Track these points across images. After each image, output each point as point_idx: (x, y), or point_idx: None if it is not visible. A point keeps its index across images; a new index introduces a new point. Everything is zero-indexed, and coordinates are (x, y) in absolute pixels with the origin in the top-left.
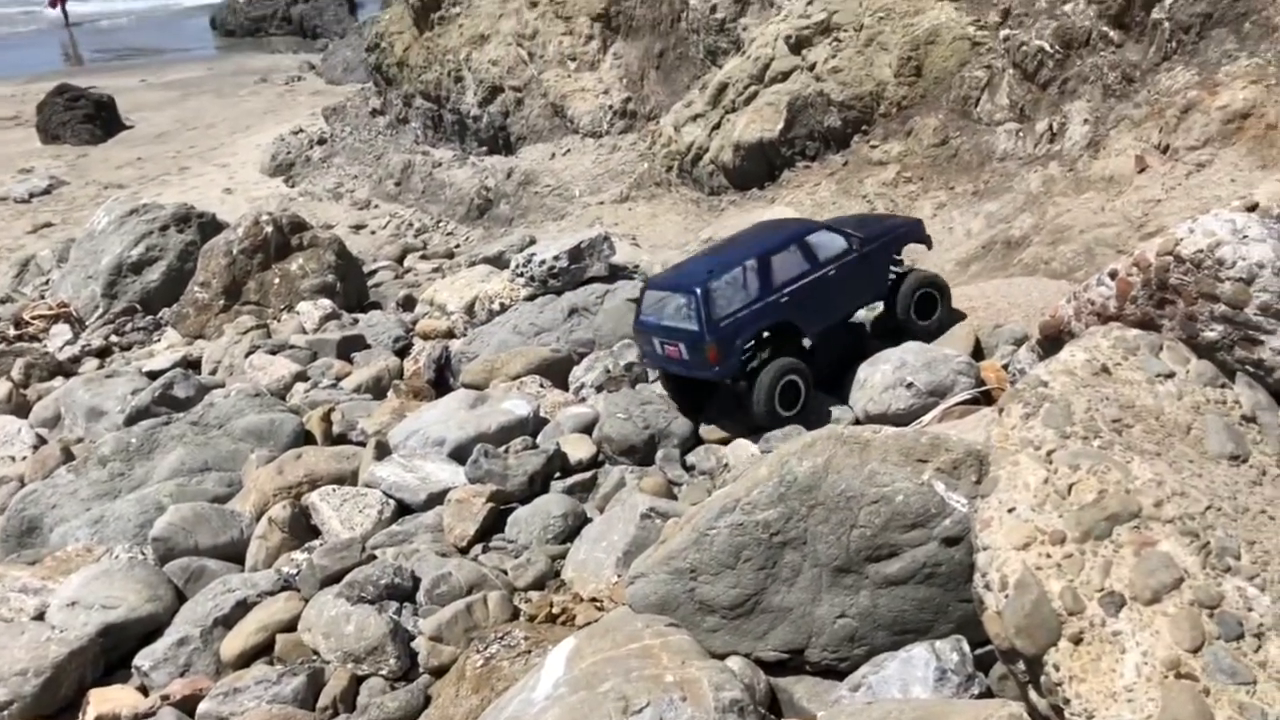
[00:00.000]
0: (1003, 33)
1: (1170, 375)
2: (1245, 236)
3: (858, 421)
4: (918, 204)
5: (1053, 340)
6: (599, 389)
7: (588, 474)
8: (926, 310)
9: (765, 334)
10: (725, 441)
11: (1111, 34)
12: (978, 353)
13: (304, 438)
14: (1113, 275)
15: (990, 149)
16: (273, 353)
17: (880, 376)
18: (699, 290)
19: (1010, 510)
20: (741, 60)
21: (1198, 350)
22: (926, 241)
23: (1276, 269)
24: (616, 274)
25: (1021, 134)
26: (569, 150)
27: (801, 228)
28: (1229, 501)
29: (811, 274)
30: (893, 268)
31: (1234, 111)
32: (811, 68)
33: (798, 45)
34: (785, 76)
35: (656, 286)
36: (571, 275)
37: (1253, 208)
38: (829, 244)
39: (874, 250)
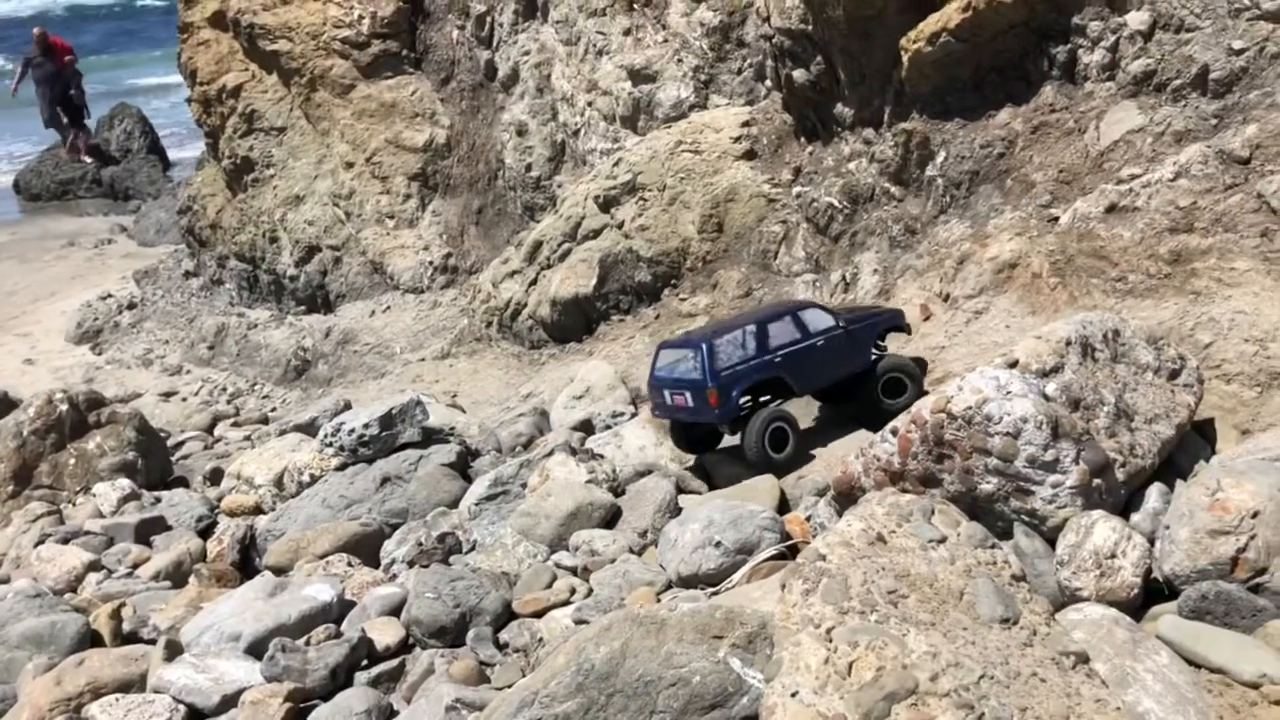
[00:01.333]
0: (795, 190)
1: (942, 540)
2: (1009, 393)
3: (670, 584)
4: None
5: (846, 495)
6: (411, 564)
7: (395, 661)
8: (895, 392)
9: (760, 387)
10: (540, 614)
11: (893, 190)
12: (784, 505)
13: (90, 639)
14: (894, 432)
15: (791, 299)
16: (64, 541)
17: (690, 536)
18: (705, 345)
19: (793, 695)
20: (555, 219)
21: (977, 502)
22: (906, 329)
23: (1038, 423)
24: (431, 438)
25: (818, 284)
26: (389, 307)
27: (796, 304)
28: (1001, 668)
29: (802, 342)
30: (875, 351)
31: (1003, 262)
32: (620, 226)
33: (606, 204)
34: (596, 234)
35: (669, 347)
36: (383, 442)
37: (1013, 364)
38: (819, 320)
39: (858, 329)
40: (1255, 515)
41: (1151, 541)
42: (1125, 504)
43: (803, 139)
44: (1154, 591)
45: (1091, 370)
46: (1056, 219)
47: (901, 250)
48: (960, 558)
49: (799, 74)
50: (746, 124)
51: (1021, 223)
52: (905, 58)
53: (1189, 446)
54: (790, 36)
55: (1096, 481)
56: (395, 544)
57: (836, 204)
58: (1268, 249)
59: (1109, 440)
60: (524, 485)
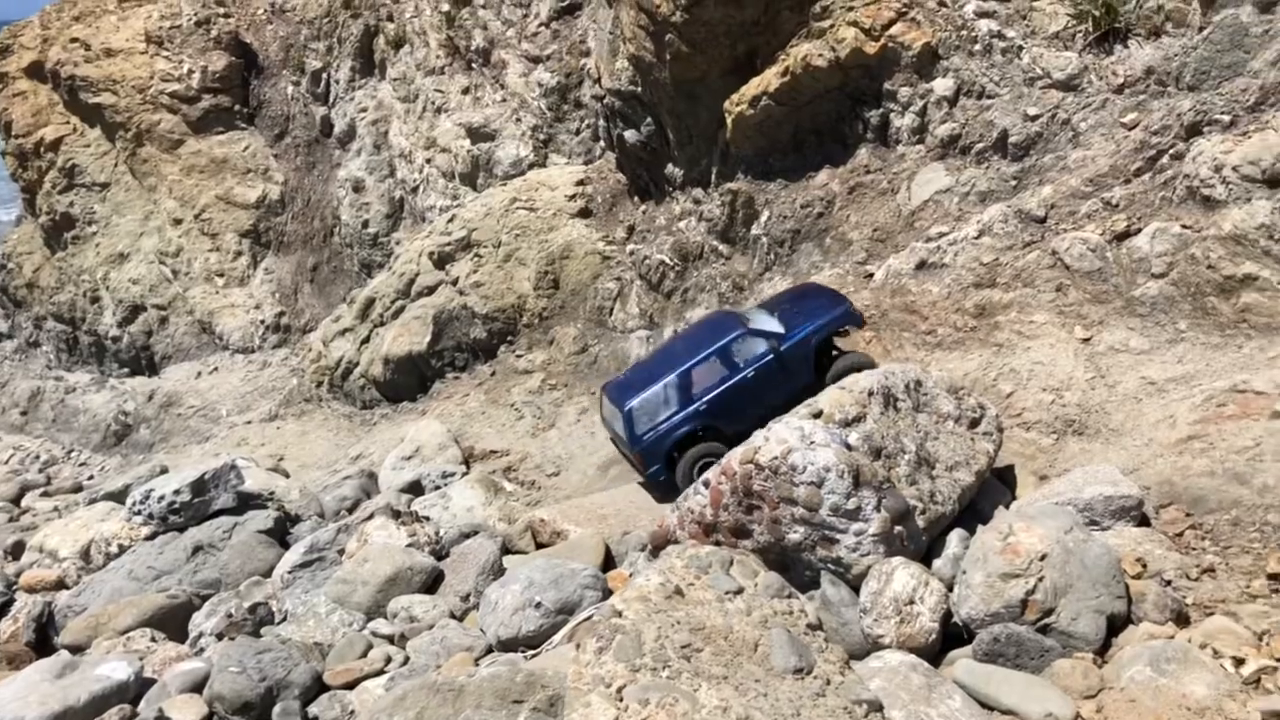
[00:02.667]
0: (629, 247)
1: (740, 591)
2: (813, 443)
3: (490, 648)
4: (563, 410)
5: (662, 549)
6: (219, 636)
7: None
8: None
9: (688, 439)
10: (352, 685)
11: (721, 248)
12: (610, 561)
13: None
14: (706, 484)
15: (625, 355)
16: None
17: (510, 598)
18: (624, 411)
19: None
20: (388, 275)
21: (786, 552)
22: (857, 322)
23: (840, 472)
24: (248, 503)
25: (652, 339)
26: (216, 368)
27: (725, 335)
28: (793, 719)
29: (730, 379)
30: (833, 350)
31: None
32: (455, 282)
33: (441, 261)
34: (431, 291)
35: (607, 393)
36: (195, 509)
37: (818, 415)
38: (749, 350)
39: (793, 348)
40: (1043, 558)
41: (951, 587)
42: (927, 550)
43: (636, 198)
44: (955, 636)
45: (894, 419)
46: (871, 275)
47: (731, 305)
48: (757, 608)
49: (630, 134)
50: (581, 182)
51: (839, 279)
52: (729, 120)
53: (990, 492)
54: (621, 98)
55: (898, 528)
56: (205, 616)
57: (668, 261)
58: (1062, 303)
59: (910, 488)
60: (341, 551)
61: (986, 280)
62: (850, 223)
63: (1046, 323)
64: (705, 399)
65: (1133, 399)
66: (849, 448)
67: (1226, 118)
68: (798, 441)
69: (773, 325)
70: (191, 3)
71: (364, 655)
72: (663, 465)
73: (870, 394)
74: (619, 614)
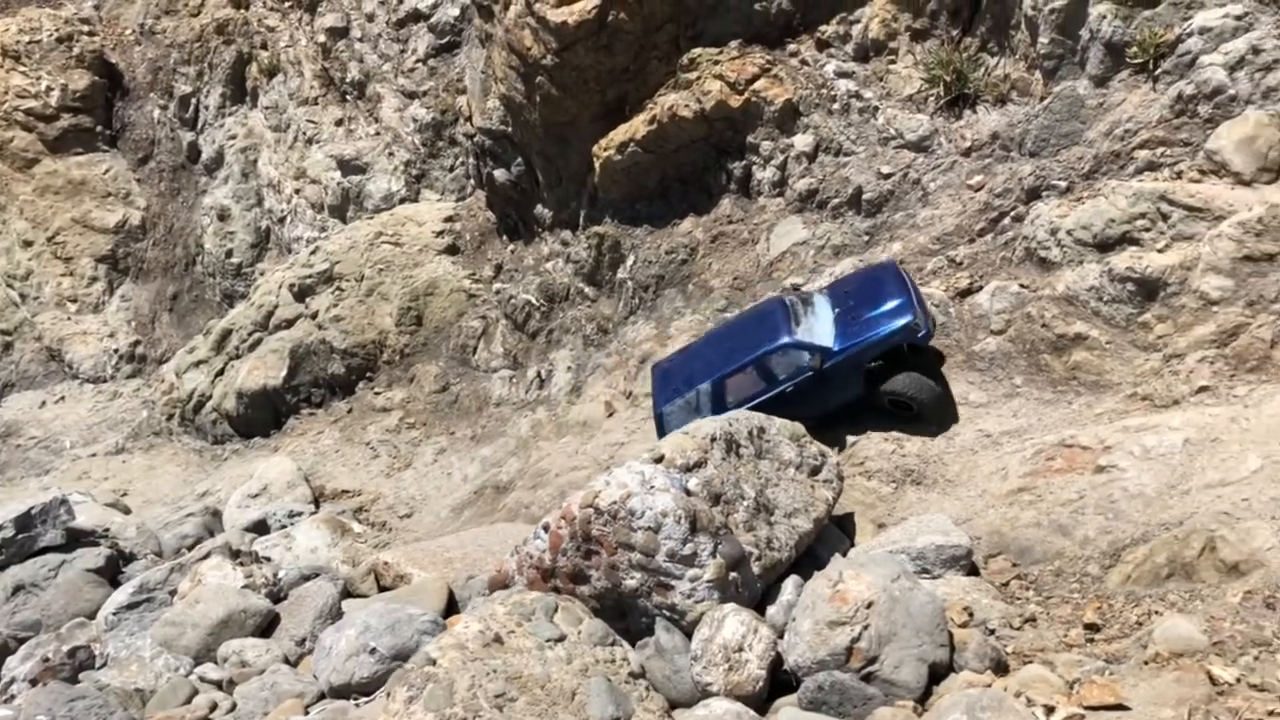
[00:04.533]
0: (496, 286)
1: (561, 639)
2: (652, 487)
3: (322, 695)
4: (420, 449)
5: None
6: (33, 682)
7: None
8: (903, 411)
9: None
10: None
11: (587, 290)
12: (454, 606)
13: None
14: (546, 528)
15: (487, 395)
16: None
17: (344, 643)
18: (656, 413)
19: None
20: (246, 307)
21: (623, 598)
22: (916, 338)
23: (678, 517)
24: (79, 541)
25: (515, 380)
26: (63, 398)
27: (768, 343)
28: None
29: (766, 393)
30: (877, 362)
31: None
32: (314, 316)
33: (301, 293)
34: (289, 324)
35: (652, 377)
36: (19, 546)
37: (659, 459)
38: (791, 362)
39: (841, 363)
40: (870, 605)
41: (783, 634)
42: (763, 596)
43: (505, 236)
44: (786, 684)
45: (735, 465)
46: None
47: (594, 349)
48: (578, 656)
49: (500, 174)
50: (450, 219)
51: (699, 325)
52: (598, 164)
53: (829, 540)
54: (491, 137)
55: (733, 575)
56: (20, 660)
57: (534, 302)
58: None
59: (748, 534)
60: (173, 592)
61: None
62: (712, 270)
63: None
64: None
65: (969, 450)
66: (688, 493)
67: (1063, 183)
68: (637, 486)
69: (823, 333)
70: (53, 18)
71: (187, 701)
72: None
73: (713, 439)
74: (433, 662)
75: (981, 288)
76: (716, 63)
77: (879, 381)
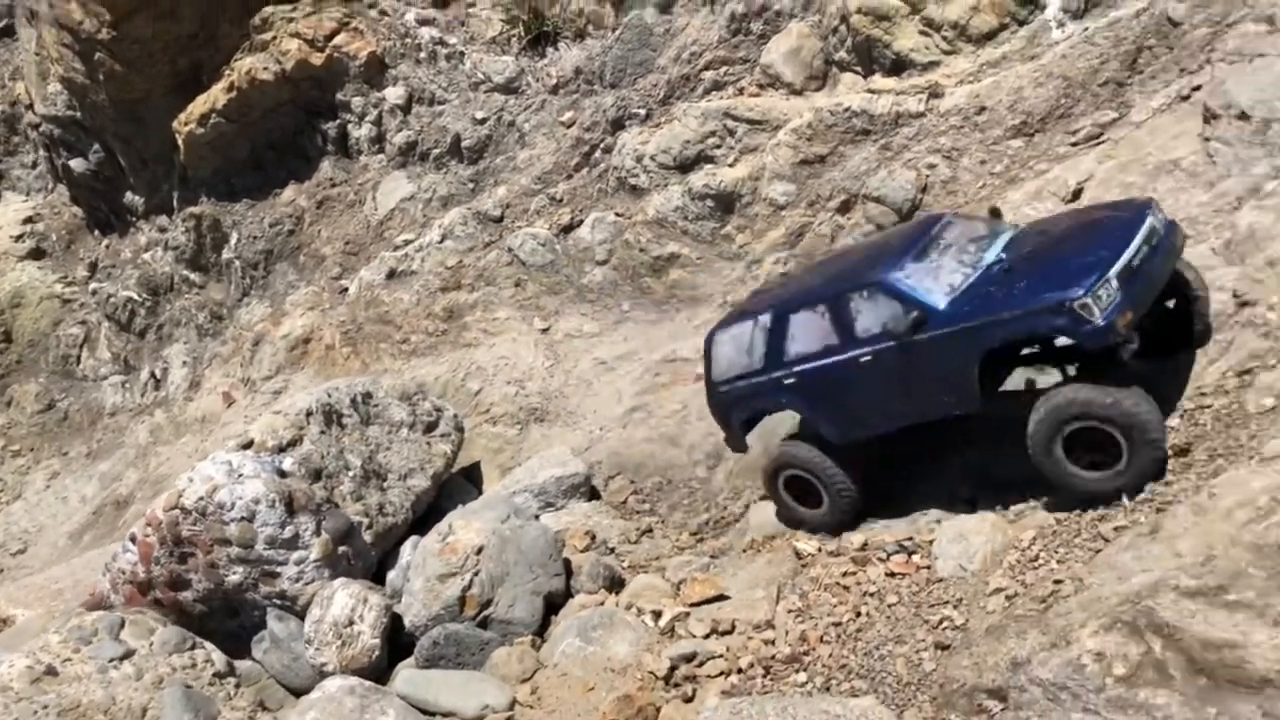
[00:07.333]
0: (92, 286)
1: (128, 655)
2: (240, 475)
3: None
4: (29, 477)
5: None
6: None
7: None
8: (1096, 461)
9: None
10: None
11: (193, 276)
12: None
13: None
14: (134, 539)
15: (100, 406)
16: None
17: None
18: (705, 341)
19: None
20: None
21: (229, 596)
22: (1082, 336)
23: (271, 501)
24: None
25: (128, 385)
26: None
27: (861, 277)
28: None
29: (835, 355)
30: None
31: (296, 338)
32: None
33: None
34: None
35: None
36: None
37: (249, 445)
38: (876, 316)
39: (942, 341)
40: (479, 551)
41: (402, 597)
42: (380, 563)
43: (97, 231)
44: (409, 646)
45: (337, 437)
46: (346, 289)
47: (210, 338)
48: (150, 669)
49: (77, 163)
50: (30, 220)
51: (315, 297)
52: (181, 141)
53: (456, 493)
54: (60, 124)
55: (342, 549)
56: None
57: (136, 297)
58: (521, 297)
59: (356, 504)
60: None
61: (453, 283)
62: (322, 238)
63: (509, 318)
64: (796, 368)
65: (587, 381)
66: (282, 474)
67: (643, 111)
68: (224, 477)
69: (942, 283)
70: None
71: None
72: (739, 432)
73: (309, 414)
74: None
75: (582, 221)
76: (291, 20)
77: (1039, 396)
